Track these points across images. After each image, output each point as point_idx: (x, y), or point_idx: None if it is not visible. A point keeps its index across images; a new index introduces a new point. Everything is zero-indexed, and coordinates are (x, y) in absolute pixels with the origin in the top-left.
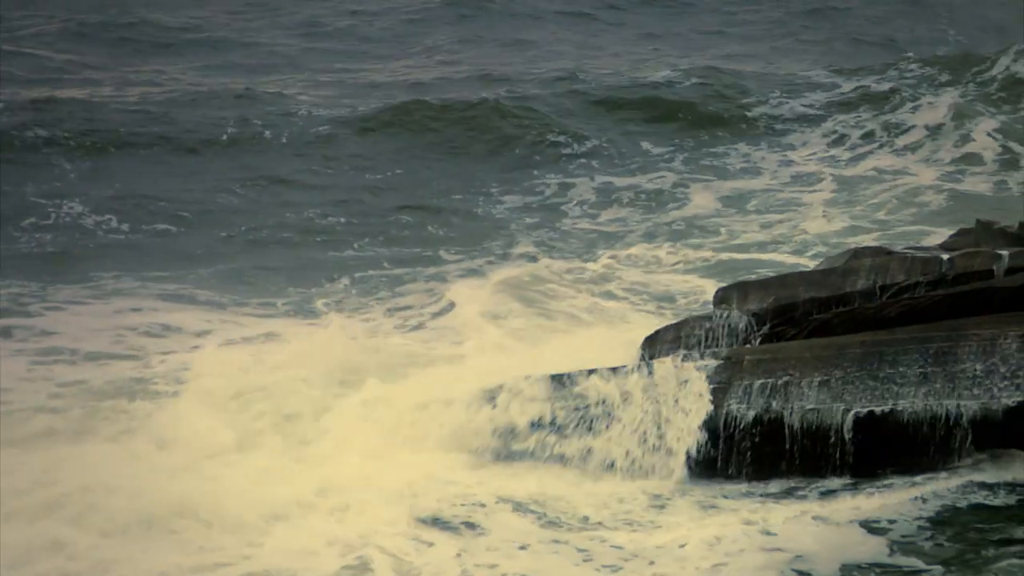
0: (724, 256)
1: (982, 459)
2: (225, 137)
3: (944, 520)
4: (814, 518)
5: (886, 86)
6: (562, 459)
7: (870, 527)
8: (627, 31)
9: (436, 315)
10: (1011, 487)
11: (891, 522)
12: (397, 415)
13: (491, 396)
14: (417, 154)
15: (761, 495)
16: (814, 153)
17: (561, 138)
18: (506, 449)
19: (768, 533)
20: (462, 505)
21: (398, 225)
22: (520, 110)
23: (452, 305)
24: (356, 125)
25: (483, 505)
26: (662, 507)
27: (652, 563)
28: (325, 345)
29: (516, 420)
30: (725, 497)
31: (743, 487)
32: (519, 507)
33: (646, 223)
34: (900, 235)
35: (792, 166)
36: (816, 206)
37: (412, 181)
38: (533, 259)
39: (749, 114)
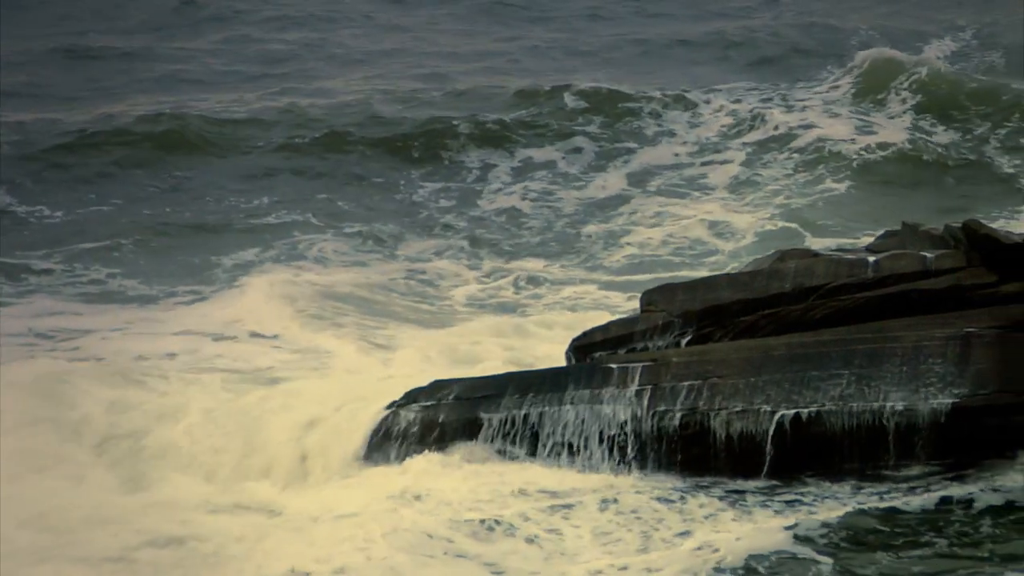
0: None
1: (906, 461)
2: None
3: (863, 522)
4: (733, 520)
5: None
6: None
7: (791, 527)
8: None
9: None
10: (926, 489)
11: (813, 523)
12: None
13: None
14: None
15: (685, 494)
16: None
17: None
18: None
19: (685, 534)
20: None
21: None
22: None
23: None
24: None
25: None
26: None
27: (568, 556)
28: None
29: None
30: (651, 496)
31: (669, 486)
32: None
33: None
34: None
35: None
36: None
37: None
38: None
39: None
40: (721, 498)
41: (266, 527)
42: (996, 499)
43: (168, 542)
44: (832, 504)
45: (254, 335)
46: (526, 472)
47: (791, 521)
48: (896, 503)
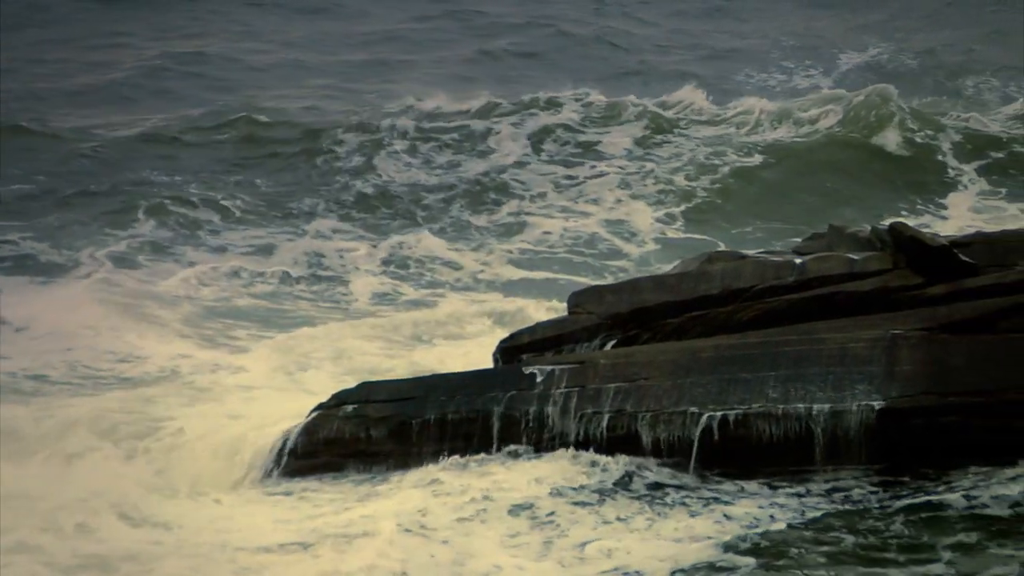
0: None
1: (833, 463)
2: None
3: (783, 525)
4: (647, 519)
5: None
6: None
7: (713, 531)
8: None
9: None
10: (850, 491)
11: (735, 527)
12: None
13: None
14: None
15: (606, 497)
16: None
17: None
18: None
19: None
20: None
21: None
22: None
23: None
24: None
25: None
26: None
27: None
28: None
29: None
30: (569, 501)
31: (591, 488)
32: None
33: None
34: None
35: None
36: None
37: None
38: None
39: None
40: (643, 499)
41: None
42: (916, 500)
43: None
44: (756, 507)
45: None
46: (447, 473)
47: (713, 525)
48: (820, 506)
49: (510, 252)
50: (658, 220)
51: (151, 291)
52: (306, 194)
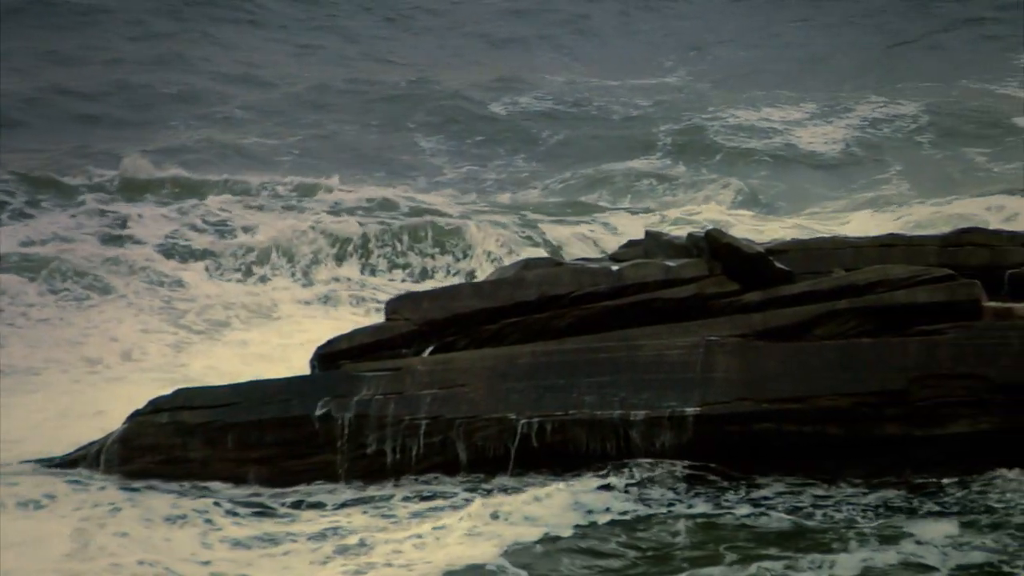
0: None
1: (651, 470)
2: None
3: (611, 524)
4: (445, 529)
5: None
6: None
7: (512, 531)
8: None
9: None
10: (649, 498)
11: (536, 533)
12: None
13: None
14: None
15: (423, 501)
16: None
17: None
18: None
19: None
20: None
21: None
22: None
23: None
24: None
25: None
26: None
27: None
28: None
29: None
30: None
31: (399, 497)
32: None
33: None
34: None
35: None
36: None
37: None
38: None
39: None
40: (456, 507)
41: None
42: (709, 508)
43: None
44: (555, 512)
45: None
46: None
47: (509, 528)
48: (628, 512)
49: None
50: None
51: None
52: None
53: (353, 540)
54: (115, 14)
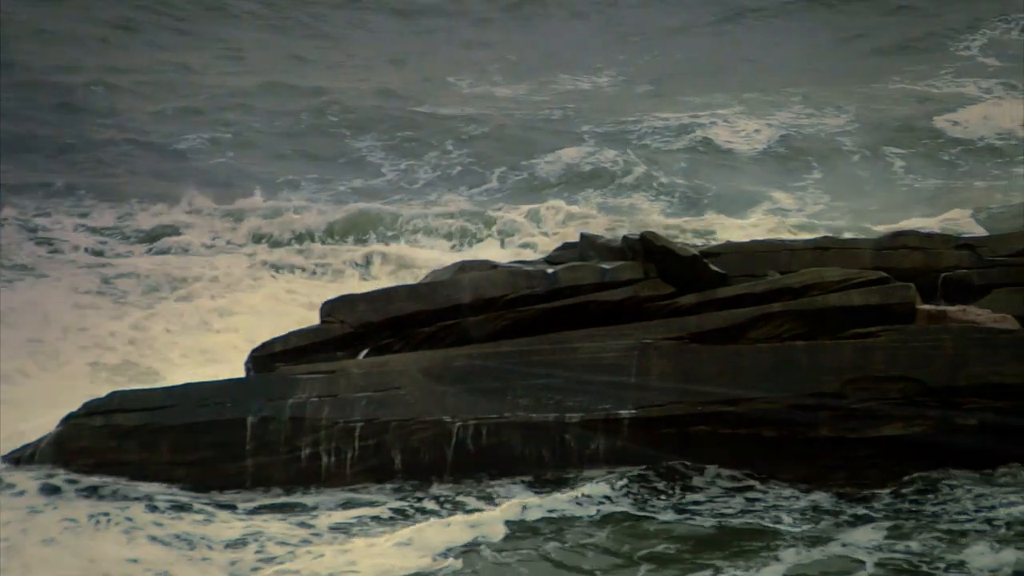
0: None
1: (587, 472)
2: None
3: (537, 528)
4: (375, 536)
5: None
6: None
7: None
8: None
9: None
10: (600, 498)
11: (464, 536)
12: None
13: None
14: None
15: (354, 508)
16: None
17: None
18: None
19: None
20: None
21: None
22: None
23: None
24: None
25: None
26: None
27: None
28: None
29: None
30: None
31: (336, 501)
32: None
33: None
34: None
35: None
36: None
37: None
38: None
39: None
40: (389, 519)
41: None
42: (638, 511)
43: None
44: (494, 521)
45: None
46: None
47: (441, 532)
48: (558, 514)
49: None
50: None
51: None
52: None
53: (277, 549)
54: None
